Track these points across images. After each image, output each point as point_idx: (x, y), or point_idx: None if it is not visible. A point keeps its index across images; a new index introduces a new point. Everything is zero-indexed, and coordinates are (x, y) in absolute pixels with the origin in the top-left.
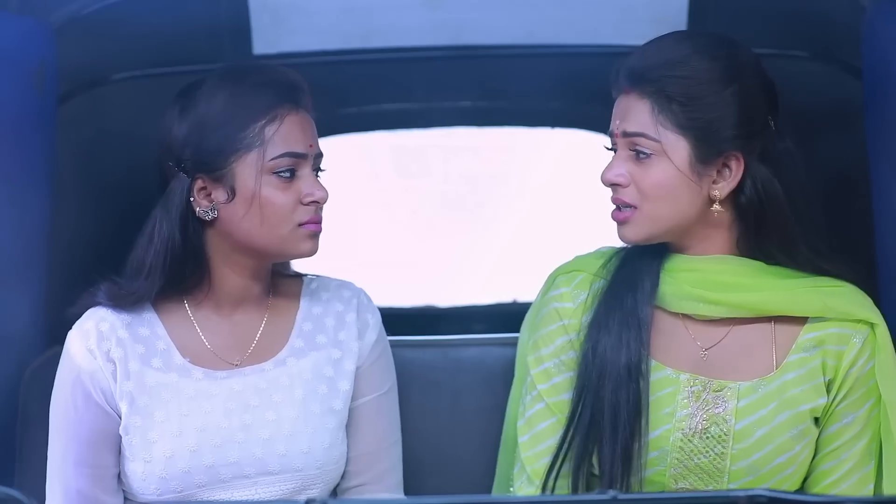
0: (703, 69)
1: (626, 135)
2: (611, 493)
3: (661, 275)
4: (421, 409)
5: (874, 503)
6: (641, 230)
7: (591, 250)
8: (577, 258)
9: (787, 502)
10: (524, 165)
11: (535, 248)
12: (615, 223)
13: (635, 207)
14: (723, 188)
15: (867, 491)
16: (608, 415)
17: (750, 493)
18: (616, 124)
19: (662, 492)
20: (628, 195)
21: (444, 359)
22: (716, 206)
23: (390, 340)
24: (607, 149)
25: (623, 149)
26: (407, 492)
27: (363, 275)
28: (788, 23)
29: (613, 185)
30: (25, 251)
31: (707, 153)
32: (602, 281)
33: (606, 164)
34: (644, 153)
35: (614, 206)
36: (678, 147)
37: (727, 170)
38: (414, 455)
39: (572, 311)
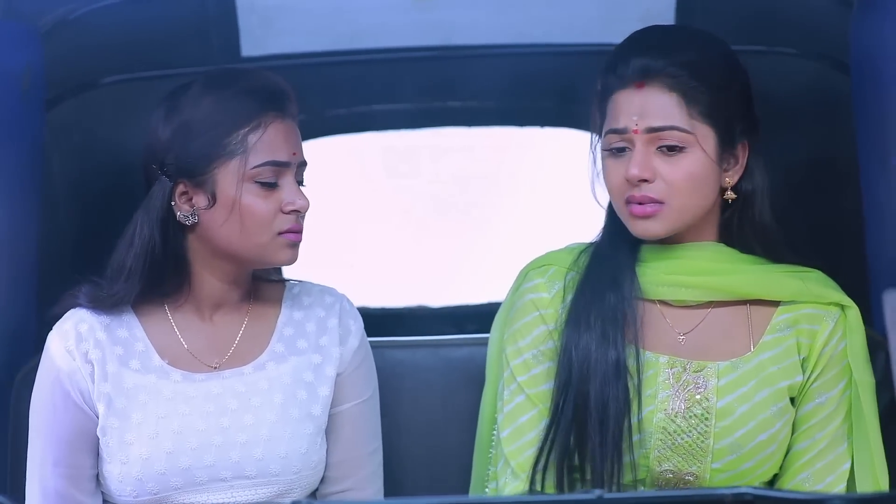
0: (718, 59)
1: (652, 130)
2: (596, 493)
3: (638, 266)
4: (413, 409)
5: (859, 500)
6: (667, 224)
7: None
8: (548, 253)
9: (772, 499)
10: (515, 165)
11: (527, 247)
12: (634, 219)
13: (662, 203)
14: (733, 176)
15: (842, 471)
16: (595, 413)
17: (735, 491)
18: (633, 121)
19: (648, 490)
20: (655, 191)
21: (435, 358)
22: (729, 194)
23: (382, 341)
24: (611, 149)
25: (646, 144)
26: (398, 491)
27: (354, 276)
28: (776, 19)
29: (641, 182)
30: (16, 255)
31: (729, 141)
32: (575, 273)
33: (630, 161)
34: (675, 147)
35: (634, 203)
36: (708, 137)
37: (734, 158)
38: (406, 454)
39: (548, 301)
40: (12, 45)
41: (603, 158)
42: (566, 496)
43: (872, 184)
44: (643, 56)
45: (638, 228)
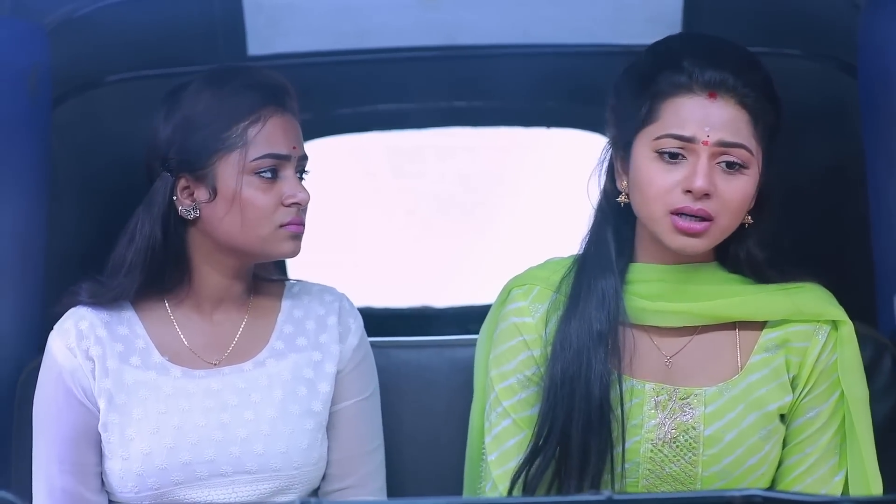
0: (773, 82)
1: (723, 144)
2: (606, 494)
3: (626, 286)
4: (416, 410)
5: (869, 503)
6: (709, 242)
7: (541, 262)
8: (530, 270)
9: (782, 502)
10: (519, 165)
11: (531, 247)
12: (677, 233)
13: (712, 220)
14: (752, 200)
15: (834, 483)
16: (578, 442)
17: (745, 492)
18: (705, 131)
19: (657, 492)
20: (711, 206)
21: (439, 359)
22: (747, 217)
23: (386, 341)
24: (663, 153)
25: (710, 157)
26: (402, 491)
27: (359, 275)
28: (783, 21)
29: (703, 196)
30: (21, 254)
31: (766, 164)
32: (559, 294)
33: (690, 171)
34: (736, 164)
35: (687, 216)
36: (759, 160)
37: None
38: (409, 454)
39: (533, 325)
40: (19, 44)
41: (645, 160)
42: (574, 497)
43: (879, 186)
44: (718, 69)
45: (678, 243)
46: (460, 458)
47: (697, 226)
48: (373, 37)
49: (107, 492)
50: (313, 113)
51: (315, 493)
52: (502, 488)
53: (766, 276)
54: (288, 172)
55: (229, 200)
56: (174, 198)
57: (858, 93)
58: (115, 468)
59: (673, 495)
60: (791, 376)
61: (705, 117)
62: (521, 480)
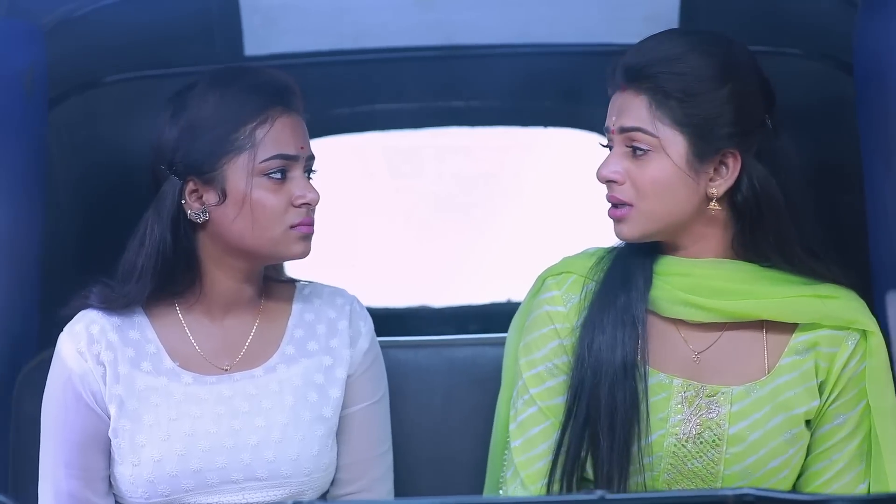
0: (701, 66)
1: (622, 130)
2: (598, 493)
3: (654, 278)
4: (415, 410)
5: (862, 501)
6: (637, 227)
7: (579, 251)
8: (566, 260)
9: (774, 501)
10: (518, 165)
11: (530, 247)
12: (611, 221)
13: (631, 205)
14: (720, 186)
15: (859, 490)
16: (605, 417)
17: (738, 492)
18: (612, 120)
19: (650, 491)
20: (624, 193)
21: (437, 359)
22: (713, 205)
23: (384, 341)
24: (603, 146)
25: (619, 145)
26: (401, 492)
27: (357, 275)
28: (780, 20)
29: (609, 182)
30: (19, 254)
31: (704, 150)
32: (593, 283)
33: (602, 162)
34: (641, 150)
35: (610, 204)
36: (676, 143)
37: (724, 167)
38: (408, 455)
39: (564, 315)
40: (15, 44)
41: None
42: (568, 496)
43: (876, 184)
44: (628, 60)
45: (614, 230)
46: (460, 456)
47: (615, 212)
48: (369, 37)
49: (115, 495)
50: (310, 113)
51: (323, 496)
52: (524, 475)
53: (797, 262)
54: (296, 173)
55: (239, 203)
56: (182, 201)
57: (855, 91)
58: (126, 474)
59: (667, 494)
60: (819, 381)
61: (615, 107)
62: (559, 467)
